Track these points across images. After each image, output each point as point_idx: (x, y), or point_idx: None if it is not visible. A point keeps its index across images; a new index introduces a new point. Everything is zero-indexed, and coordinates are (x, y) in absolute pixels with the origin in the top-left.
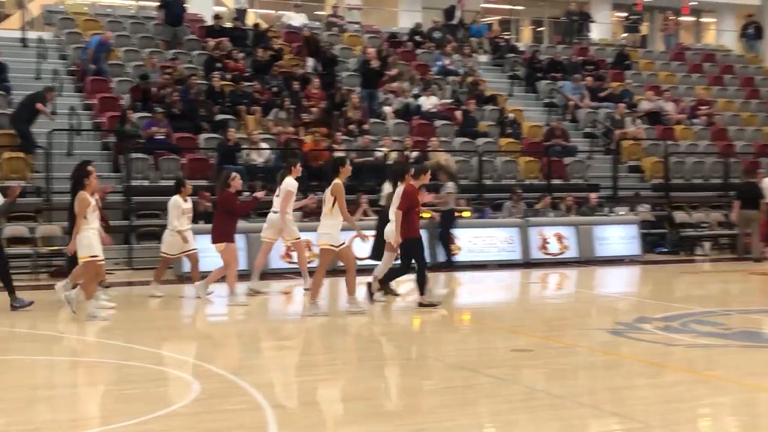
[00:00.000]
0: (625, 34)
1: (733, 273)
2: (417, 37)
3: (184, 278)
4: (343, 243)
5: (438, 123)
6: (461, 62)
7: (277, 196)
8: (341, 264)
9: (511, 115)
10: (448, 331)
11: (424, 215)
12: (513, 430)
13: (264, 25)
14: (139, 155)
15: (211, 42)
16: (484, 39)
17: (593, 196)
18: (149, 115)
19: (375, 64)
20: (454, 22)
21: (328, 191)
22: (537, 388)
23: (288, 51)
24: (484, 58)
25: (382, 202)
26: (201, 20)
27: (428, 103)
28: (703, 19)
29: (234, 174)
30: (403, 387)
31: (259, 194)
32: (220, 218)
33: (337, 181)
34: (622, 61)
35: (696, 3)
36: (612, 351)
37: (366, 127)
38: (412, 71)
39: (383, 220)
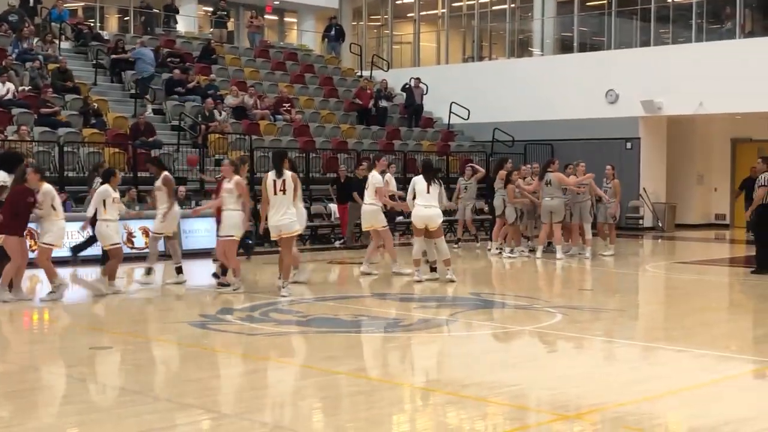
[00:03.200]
0: (212, 29)
1: (317, 262)
2: None
3: None
4: None
5: (16, 111)
6: (41, 47)
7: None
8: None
9: (95, 105)
10: (22, 331)
11: None
12: (89, 431)
13: None
14: None
15: None
16: (66, 25)
17: (181, 189)
18: None
19: None
20: (30, 4)
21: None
22: (115, 385)
23: None
24: (66, 44)
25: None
26: None
27: (4, 89)
28: (287, 19)
29: (30, 169)
30: None
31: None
32: (6, 210)
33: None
34: (208, 55)
35: (278, 3)
36: (194, 343)
37: None
38: None
39: None
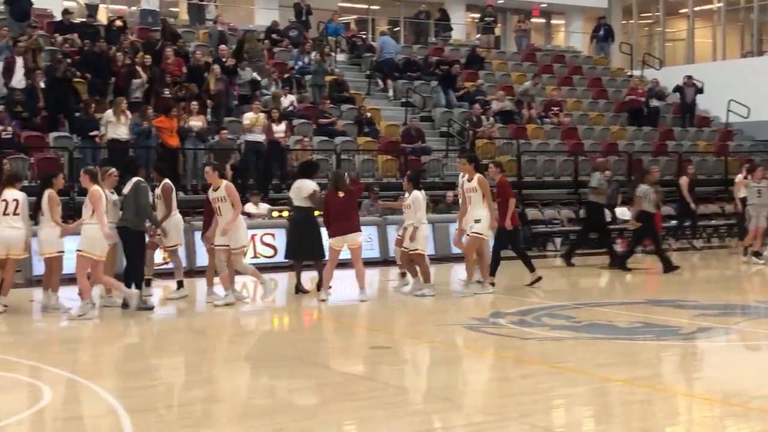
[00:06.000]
0: (479, 35)
1: (584, 267)
2: (274, 36)
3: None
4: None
5: (296, 122)
6: (320, 60)
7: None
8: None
9: (368, 114)
10: (305, 329)
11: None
12: (371, 427)
13: (118, 22)
14: None
15: (60, 38)
16: (341, 38)
17: (450, 194)
18: None
19: (230, 62)
20: (303, 18)
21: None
22: (394, 384)
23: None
24: (341, 57)
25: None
26: (50, 15)
27: (286, 101)
28: (553, 21)
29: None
30: (260, 387)
31: None
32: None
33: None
34: (475, 61)
35: (546, 5)
36: (468, 346)
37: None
38: (270, 69)
39: None
